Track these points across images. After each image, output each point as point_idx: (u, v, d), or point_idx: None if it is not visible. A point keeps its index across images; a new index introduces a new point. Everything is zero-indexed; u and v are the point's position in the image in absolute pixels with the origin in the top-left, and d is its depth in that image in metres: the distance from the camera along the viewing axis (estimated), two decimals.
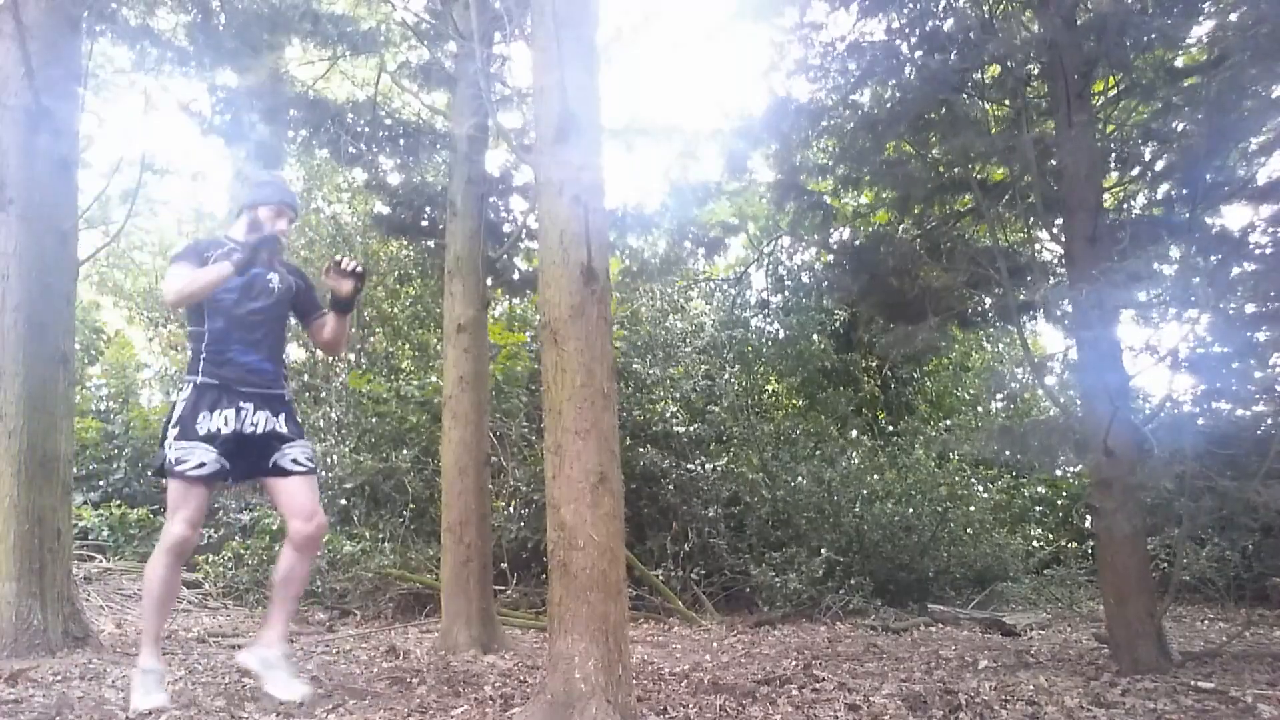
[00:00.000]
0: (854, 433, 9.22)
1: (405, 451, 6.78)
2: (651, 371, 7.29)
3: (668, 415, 7.10)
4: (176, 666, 3.67)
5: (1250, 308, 4.10)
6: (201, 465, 2.87)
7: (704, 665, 3.95)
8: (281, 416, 3.04)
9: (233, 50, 4.87)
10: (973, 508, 7.60)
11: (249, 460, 3.01)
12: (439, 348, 7.03)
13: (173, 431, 2.92)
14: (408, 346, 8.35)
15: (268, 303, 3.10)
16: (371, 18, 5.91)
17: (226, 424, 2.92)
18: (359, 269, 3.14)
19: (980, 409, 10.35)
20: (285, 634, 3.09)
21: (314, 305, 3.32)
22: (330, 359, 8.22)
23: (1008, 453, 4.40)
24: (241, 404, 2.96)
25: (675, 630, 5.53)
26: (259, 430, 2.98)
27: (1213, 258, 4.40)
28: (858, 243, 5.73)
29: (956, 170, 4.84)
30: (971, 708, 2.88)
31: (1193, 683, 3.25)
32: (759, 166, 6.21)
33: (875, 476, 7.60)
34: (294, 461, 3.02)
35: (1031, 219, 4.77)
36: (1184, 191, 4.45)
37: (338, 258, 3.15)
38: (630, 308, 8.03)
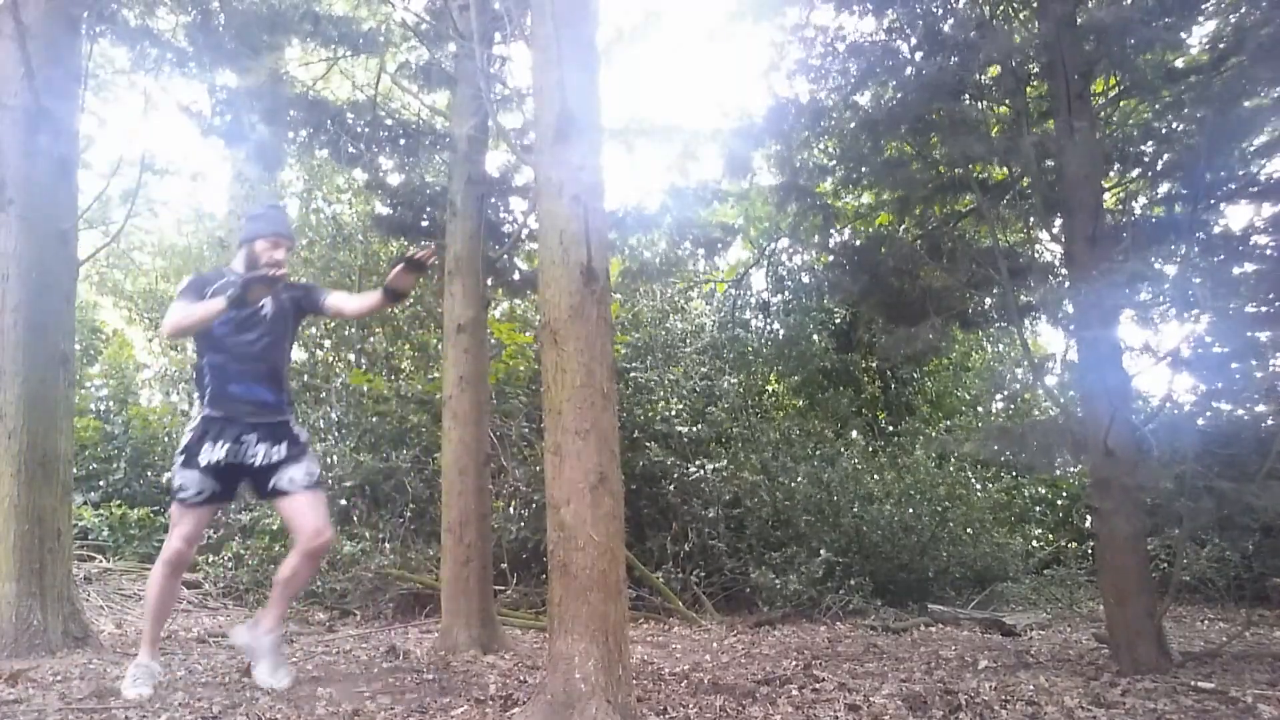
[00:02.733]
0: (854, 433, 9.21)
1: (405, 451, 6.78)
2: (652, 375, 7.28)
3: (669, 416, 7.09)
4: (177, 666, 3.67)
5: (1251, 308, 4.10)
6: (200, 493, 3.10)
7: (704, 665, 3.95)
8: (285, 444, 3.20)
9: (232, 51, 4.87)
10: (972, 508, 7.59)
11: (255, 483, 3.22)
12: (439, 348, 7.03)
13: (179, 459, 3.13)
14: (408, 346, 8.34)
15: (261, 332, 3.23)
16: (371, 18, 5.92)
17: (227, 455, 3.10)
18: (429, 259, 3.21)
19: (980, 409, 10.34)
20: (279, 623, 3.24)
21: (318, 295, 3.43)
22: (331, 359, 8.24)
23: (1008, 453, 4.39)
24: (244, 435, 3.13)
25: (675, 630, 5.53)
26: (258, 461, 3.15)
27: (1214, 258, 4.41)
28: (858, 244, 5.73)
29: (957, 171, 4.84)
30: (971, 708, 2.88)
31: (1193, 683, 3.25)
32: (760, 167, 6.21)
33: (875, 477, 7.60)
34: (290, 481, 3.16)
35: (1032, 219, 4.77)
36: (1185, 191, 4.45)
37: (412, 252, 3.20)
38: (632, 309, 8.03)
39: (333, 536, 3.27)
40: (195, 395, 3.27)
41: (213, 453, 3.08)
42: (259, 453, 3.14)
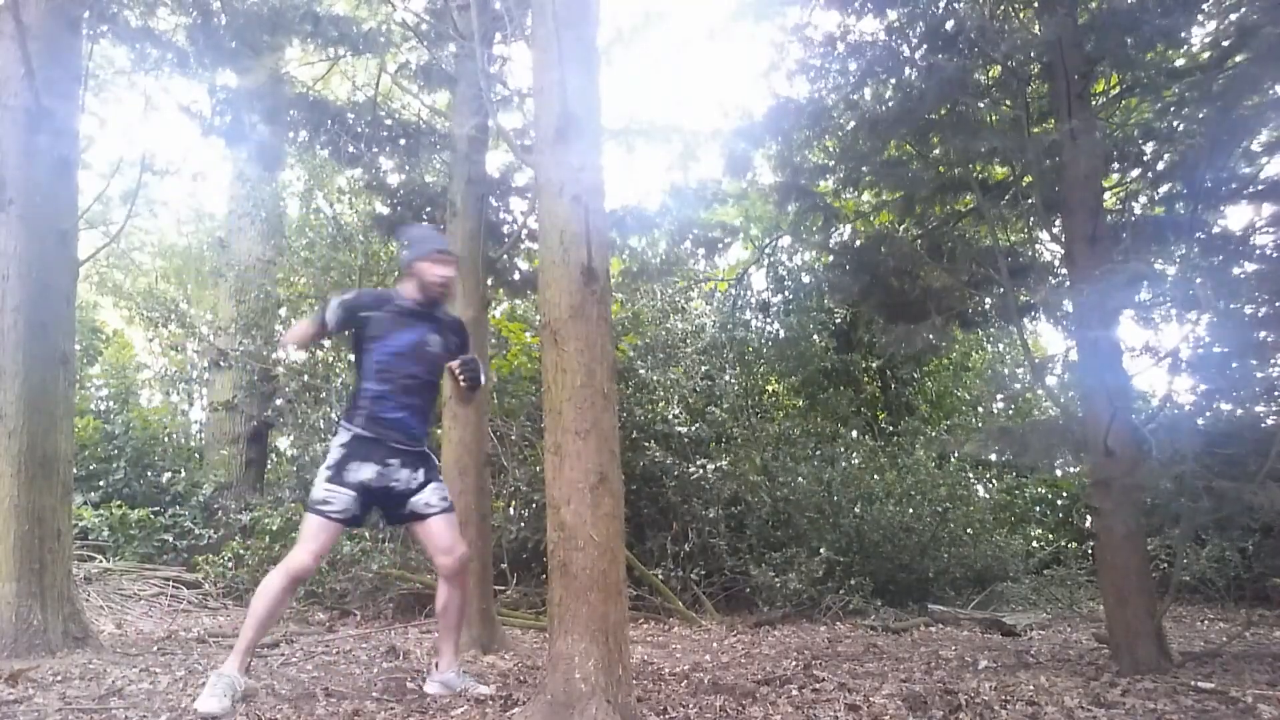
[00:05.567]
0: (854, 433, 9.21)
1: None
2: (653, 375, 7.28)
3: (670, 416, 7.09)
4: (177, 667, 3.67)
5: (1251, 308, 4.09)
6: (344, 511, 3.07)
7: (704, 665, 3.95)
8: (421, 470, 3.22)
9: (233, 51, 4.87)
10: (973, 508, 7.59)
11: (389, 509, 3.24)
12: None
13: (326, 473, 3.10)
14: None
15: (427, 368, 3.28)
16: (372, 18, 5.90)
17: (373, 478, 3.10)
18: (480, 381, 3.37)
19: (981, 409, 10.34)
20: (456, 656, 3.29)
21: (462, 351, 3.45)
22: (331, 359, 8.24)
23: (1008, 453, 4.38)
24: (389, 460, 3.14)
25: (675, 630, 5.53)
26: (400, 486, 3.17)
27: (1214, 258, 4.41)
28: (859, 243, 5.73)
29: (957, 171, 4.84)
30: (971, 708, 2.87)
31: (1193, 683, 3.25)
32: (760, 167, 6.21)
33: (875, 477, 7.60)
34: (427, 505, 3.20)
35: (1032, 219, 4.77)
36: (1185, 191, 4.44)
37: (471, 372, 3.34)
38: (632, 309, 8.03)
39: (466, 552, 3.27)
40: (344, 414, 3.24)
41: (360, 472, 3.08)
42: (402, 477, 3.15)
